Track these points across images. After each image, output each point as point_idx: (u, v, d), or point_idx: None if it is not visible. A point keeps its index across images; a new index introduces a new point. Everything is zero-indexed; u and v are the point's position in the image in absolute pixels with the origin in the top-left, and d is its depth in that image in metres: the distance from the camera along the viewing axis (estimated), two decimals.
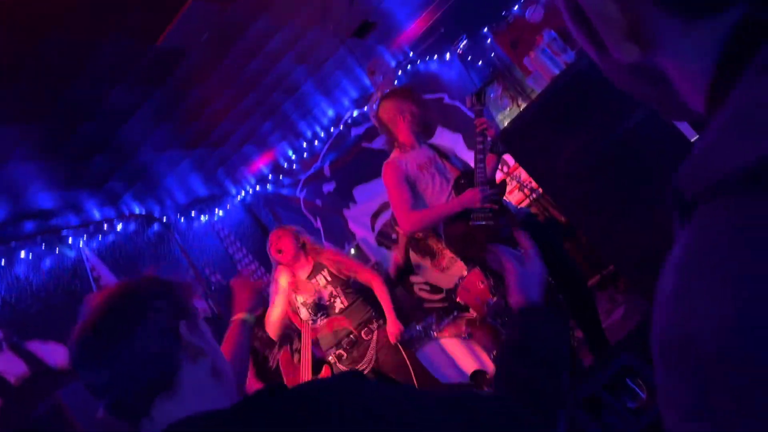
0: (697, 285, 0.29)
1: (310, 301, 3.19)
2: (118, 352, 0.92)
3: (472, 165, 3.00)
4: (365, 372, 3.11)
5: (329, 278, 3.23)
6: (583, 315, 2.95)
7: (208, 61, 3.48)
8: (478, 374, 3.32)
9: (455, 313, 3.71)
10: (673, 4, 0.37)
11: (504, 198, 3.14)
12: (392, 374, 3.11)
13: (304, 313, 3.21)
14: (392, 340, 3.12)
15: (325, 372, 3.30)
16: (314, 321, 3.20)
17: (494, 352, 3.30)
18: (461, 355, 3.34)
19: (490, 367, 3.25)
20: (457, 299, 3.58)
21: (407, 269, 4.82)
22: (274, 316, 3.20)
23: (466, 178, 2.96)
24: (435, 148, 3.16)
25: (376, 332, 3.24)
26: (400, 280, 4.85)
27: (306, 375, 3.22)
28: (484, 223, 2.86)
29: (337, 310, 3.19)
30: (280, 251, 3.19)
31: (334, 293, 3.20)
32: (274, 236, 3.27)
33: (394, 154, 3.11)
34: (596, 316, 2.96)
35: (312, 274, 3.25)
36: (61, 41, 2.46)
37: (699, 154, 0.32)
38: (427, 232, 3.24)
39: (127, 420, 0.95)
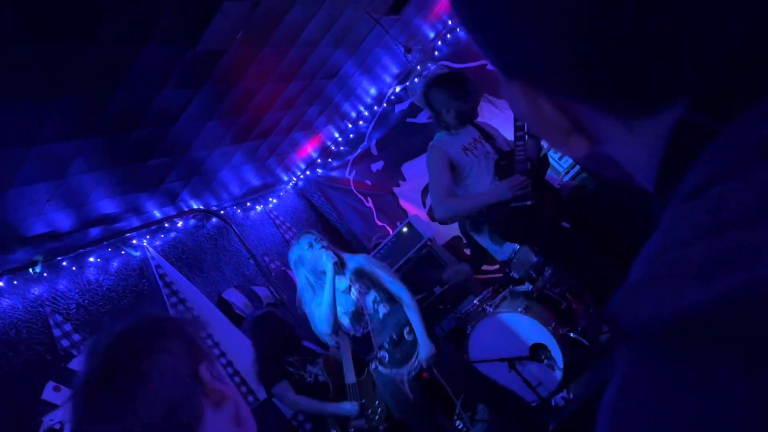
0: None
1: (351, 310, 2.98)
2: (131, 402, 0.78)
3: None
4: (409, 377, 2.92)
5: (368, 285, 3.00)
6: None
7: (248, 56, 3.53)
8: (537, 347, 3.30)
9: (511, 287, 3.69)
10: (605, 105, 0.36)
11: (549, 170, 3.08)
12: (447, 375, 2.94)
13: (345, 322, 3.02)
14: (424, 365, 2.89)
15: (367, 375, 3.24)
16: (355, 332, 3.02)
17: (552, 324, 3.27)
18: (519, 328, 3.33)
19: (549, 339, 3.22)
20: (511, 273, 3.55)
21: (480, 258, 4.83)
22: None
23: (506, 159, 2.91)
24: (480, 128, 3.12)
25: None
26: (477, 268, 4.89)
27: (350, 377, 3.28)
28: (527, 203, 2.81)
29: (381, 316, 2.97)
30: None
31: (377, 299, 2.98)
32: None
33: (439, 136, 3.11)
34: None
35: (349, 286, 3.00)
36: (102, 53, 2.55)
37: (631, 287, 0.32)
38: None
39: None
